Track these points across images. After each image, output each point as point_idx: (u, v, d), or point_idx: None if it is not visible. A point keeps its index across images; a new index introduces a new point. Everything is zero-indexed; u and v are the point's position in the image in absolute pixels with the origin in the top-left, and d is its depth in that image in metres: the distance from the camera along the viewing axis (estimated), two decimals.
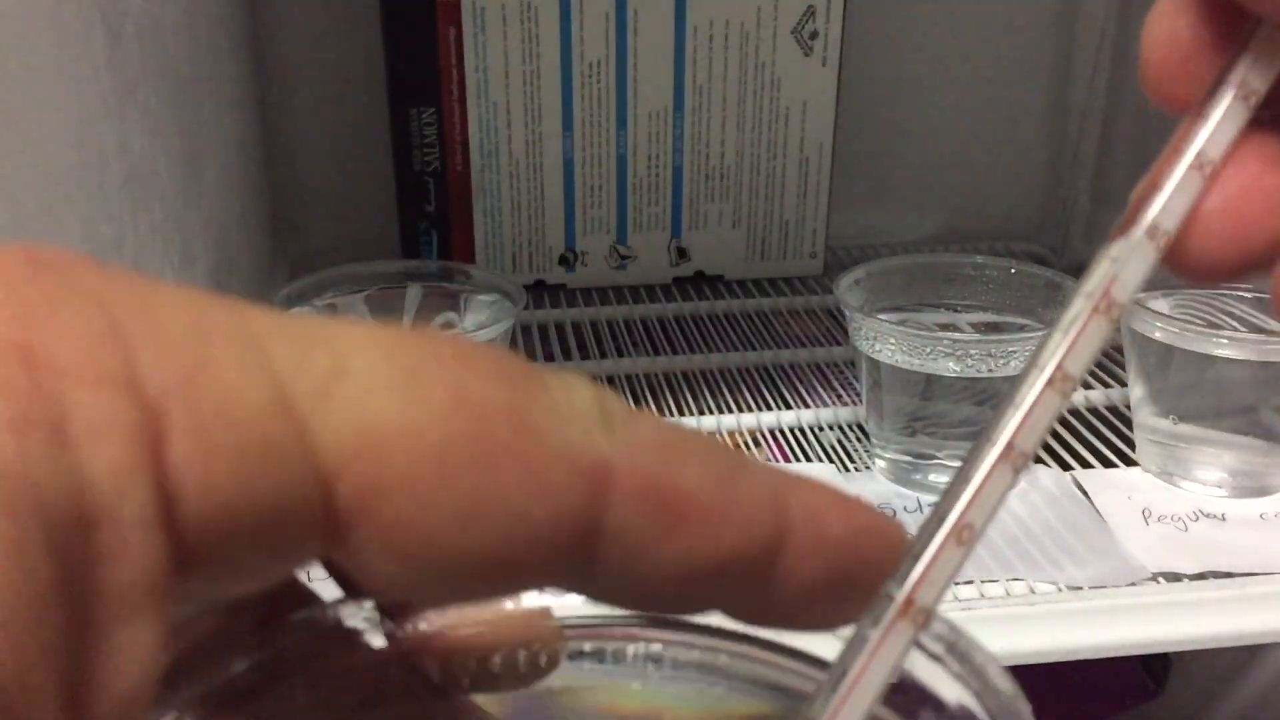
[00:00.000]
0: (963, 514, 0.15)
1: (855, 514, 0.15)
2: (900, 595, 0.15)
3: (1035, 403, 0.15)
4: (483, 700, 0.17)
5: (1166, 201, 0.16)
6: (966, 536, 0.15)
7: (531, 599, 0.17)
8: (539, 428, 0.13)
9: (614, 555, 0.13)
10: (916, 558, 0.15)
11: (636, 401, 0.56)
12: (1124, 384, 0.52)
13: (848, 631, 0.15)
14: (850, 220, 0.76)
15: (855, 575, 0.15)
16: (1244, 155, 0.17)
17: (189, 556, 0.11)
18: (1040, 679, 0.70)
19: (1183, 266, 0.17)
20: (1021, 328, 0.50)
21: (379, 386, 0.12)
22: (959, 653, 0.15)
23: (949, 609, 0.41)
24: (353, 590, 0.16)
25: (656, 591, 0.14)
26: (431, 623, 0.17)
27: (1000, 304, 0.51)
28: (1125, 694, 0.68)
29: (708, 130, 0.67)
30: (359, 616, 0.16)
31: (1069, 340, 0.16)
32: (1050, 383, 0.16)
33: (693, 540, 0.13)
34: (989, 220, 0.79)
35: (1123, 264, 0.16)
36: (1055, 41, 0.75)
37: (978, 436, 0.15)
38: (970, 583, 0.42)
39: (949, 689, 0.15)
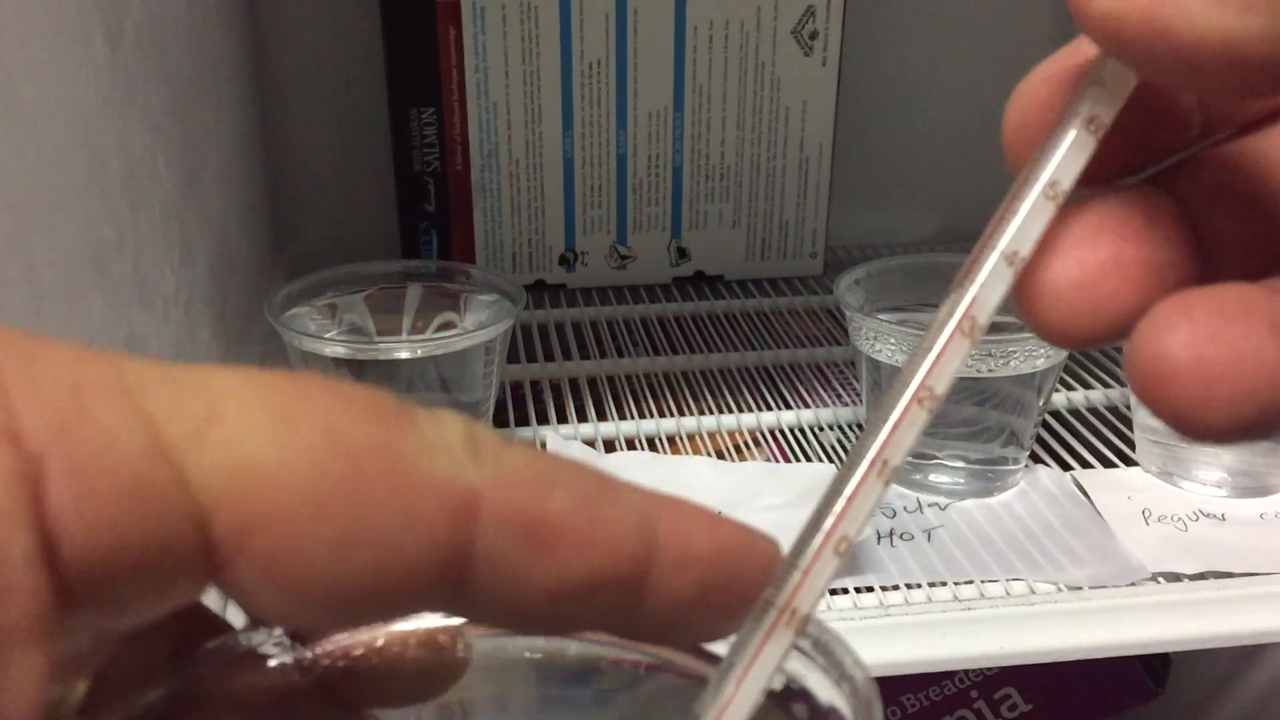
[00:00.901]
0: (836, 523, 0.16)
1: (722, 532, 0.15)
2: (779, 601, 0.16)
3: (902, 417, 0.16)
4: (392, 716, 0.18)
5: (1020, 227, 0.17)
6: (843, 548, 0.16)
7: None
8: (408, 462, 0.14)
9: (486, 580, 0.14)
10: (794, 566, 0.16)
11: (637, 401, 0.57)
12: (1124, 384, 0.52)
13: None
14: (850, 220, 0.76)
15: (726, 590, 0.15)
16: (1100, 229, 0.17)
17: (71, 592, 0.12)
18: (1041, 679, 0.70)
19: (1045, 336, 0.17)
20: (1021, 328, 0.50)
21: (251, 428, 0.13)
22: (825, 650, 0.17)
23: (949, 609, 0.41)
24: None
25: (530, 612, 0.14)
26: (340, 644, 0.17)
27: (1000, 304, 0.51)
28: (1125, 694, 0.68)
29: (708, 130, 0.67)
30: (269, 642, 0.17)
31: (933, 357, 0.17)
32: (916, 399, 0.16)
33: (561, 562, 0.14)
34: (989, 220, 0.78)
35: (983, 287, 0.17)
36: (1055, 42, 0.75)
37: (850, 453, 0.17)
38: (970, 583, 0.42)
39: (819, 685, 0.17)
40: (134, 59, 0.40)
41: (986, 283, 0.17)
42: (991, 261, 0.17)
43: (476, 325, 0.47)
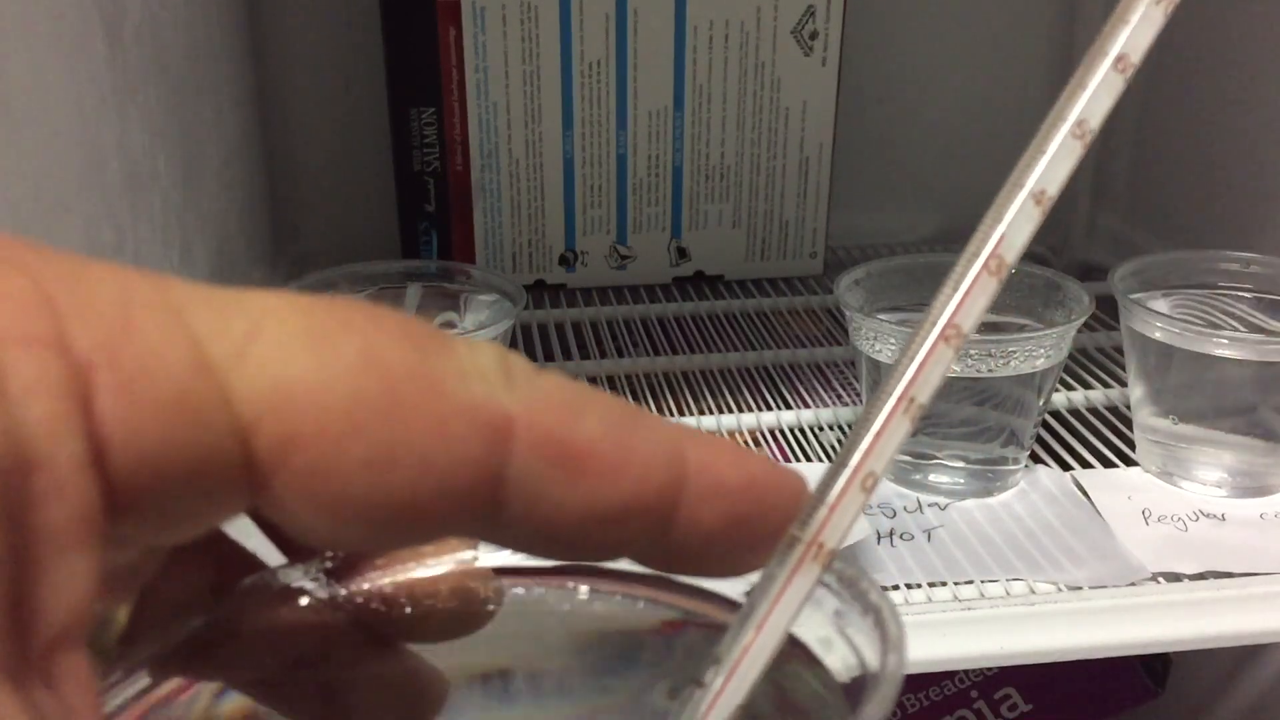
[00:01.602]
0: (863, 460, 0.16)
1: (751, 464, 0.16)
2: (806, 536, 0.16)
3: (928, 357, 0.16)
4: (425, 650, 0.19)
5: (1048, 166, 0.17)
6: (869, 483, 0.16)
7: (467, 554, 0.18)
8: (443, 384, 0.14)
9: (518, 503, 0.14)
10: (821, 502, 0.16)
11: (637, 401, 0.56)
12: (1124, 384, 0.52)
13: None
14: (850, 220, 0.76)
15: (755, 522, 0.16)
16: None
17: (119, 500, 0.12)
18: (1041, 679, 0.70)
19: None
20: (1021, 328, 0.50)
21: (292, 347, 0.13)
22: (851, 584, 0.17)
23: (949, 609, 0.41)
24: (291, 552, 0.18)
25: (562, 537, 0.15)
26: (375, 581, 0.18)
27: (1000, 304, 0.51)
28: (1125, 694, 0.68)
29: (708, 130, 0.67)
30: (306, 579, 0.18)
31: (960, 295, 0.17)
32: (943, 337, 0.16)
33: (592, 488, 0.14)
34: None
35: (1010, 225, 0.17)
36: (1055, 42, 0.75)
37: (875, 389, 0.16)
38: (970, 583, 0.42)
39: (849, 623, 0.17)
40: (134, 59, 0.40)
41: (1014, 221, 0.16)
42: (1019, 200, 0.17)
43: (476, 325, 0.47)
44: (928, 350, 0.16)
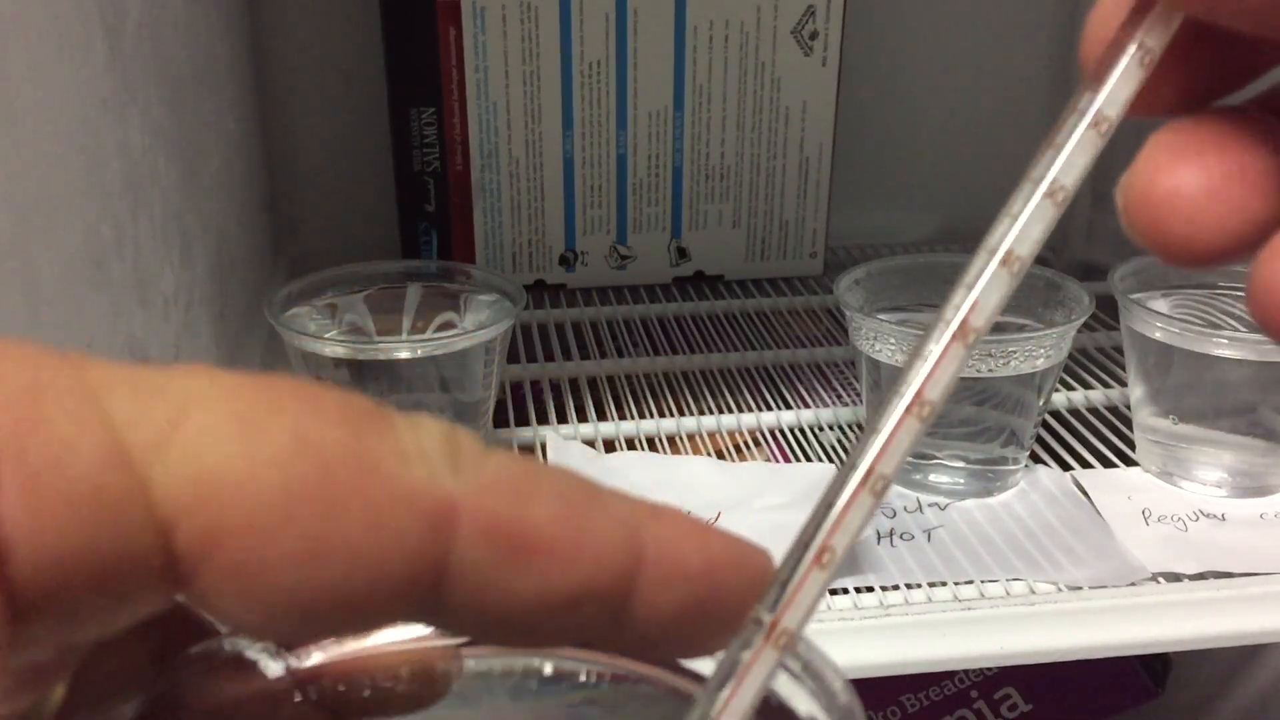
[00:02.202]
0: (826, 538, 0.15)
1: (713, 545, 0.15)
2: (768, 620, 0.15)
3: (896, 428, 0.16)
4: None
5: (1068, 158, 0.16)
6: (827, 560, 0.15)
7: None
8: (381, 469, 0.13)
9: (462, 591, 0.13)
10: (784, 584, 0.15)
11: (637, 401, 0.56)
12: (1124, 384, 0.52)
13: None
14: (850, 220, 0.76)
15: (715, 605, 0.15)
16: (1225, 137, 0.16)
17: (24, 605, 0.12)
18: (1040, 679, 0.70)
19: (1167, 252, 0.16)
20: (1021, 328, 0.50)
21: (218, 434, 0.13)
22: (811, 670, 0.16)
23: (949, 609, 0.41)
24: None
25: (510, 625, 0.14)
26: (328, 651, 0.17)
27: None
28: (1125, 694, 0.68)
29: (708, 130, 0.67)
30: (255, 648, 0.17)
31: (975, 295, 0.16)
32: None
33: (542, 575, 0.14)
34: (989, 220, 0.78)
35: (1019, 220, 0.17)
36: (1055, 42, 0.75)
37: (844, 463, 0.16)
38: (970, 583, 0.42)
39: (802, 703, 0.16)
40: (134, 59, 0.40)
41: (1031, 218, 0.16)
42: (1037, 197, 0.16)
43: (476, 325, 0.47)
44: (901, 414, 0.16)
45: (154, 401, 0.13)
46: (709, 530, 0.15)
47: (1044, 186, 0.17)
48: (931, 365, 0.16)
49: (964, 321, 0.16)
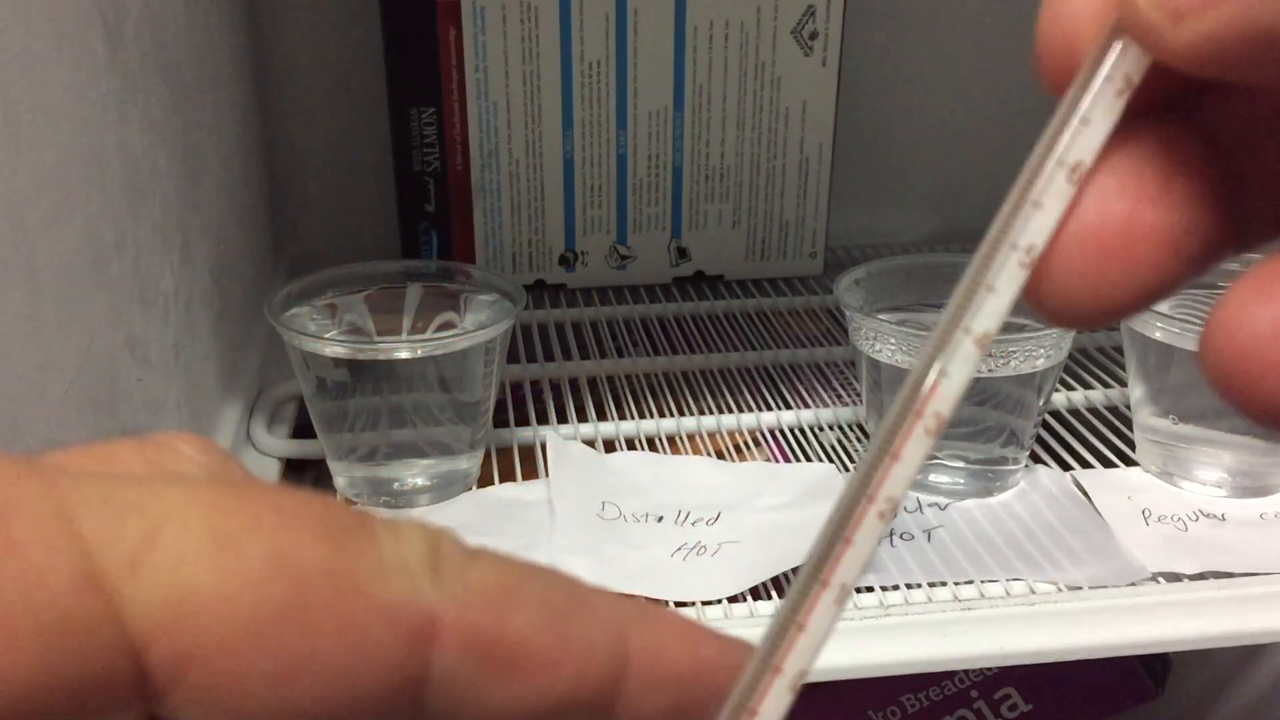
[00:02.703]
0: (782, 656, 0.15)
1: (701, 647, 0.15)
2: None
3: (863, 533, 0.15)
4: None
5: (1032, 224, 0.15)
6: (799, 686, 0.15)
7: None
8: (360, 584, 0.13)
9: (442, 704, 0.13)
10: (742, 709, 0.15)
11: (637, 401, 0.56)
12: (1124, 384, 0.52)
13: None
14: (850, 220, 0.76)
15: (701, 708, 0.15)
16: (1107, 191, 0.15)
17: None
18: (1041, 679, 0.70)
19: (1043, 310, 0.15)
20: (1021, 328, 0.50)
21: (193, 553, 0.12)
22: None
23: (949, 609, 0.41)
24: None
25: None
26: None
27: None
28: (1125, 694, 0.68)
29: (708, 130, 0.67)
30: None
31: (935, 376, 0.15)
32: (870, 502, 0.15)
33: (524, 686, 0.14)
34: (989, 220, 0.78)
35: (988, 295, 0.15)
36: None
37: (801, 572, 0.15)
38: (970, 583, 0.42)
39: None
40: (134, 59, 0.40)
41: (1005, 281, 0.15)
42: (1048, 170, 0.15)
43: (476, 325, 0.47)
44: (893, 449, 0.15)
45: (128, 518, 0.12)
46: (698, 631, 0.15)
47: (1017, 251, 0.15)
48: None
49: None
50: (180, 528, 0.12)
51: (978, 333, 0.15)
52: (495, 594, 0.14)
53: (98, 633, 0.12)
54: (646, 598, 0.42)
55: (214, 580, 0.12)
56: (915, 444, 0.15)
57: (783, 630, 0.15)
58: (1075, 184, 0.15)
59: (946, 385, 0.15)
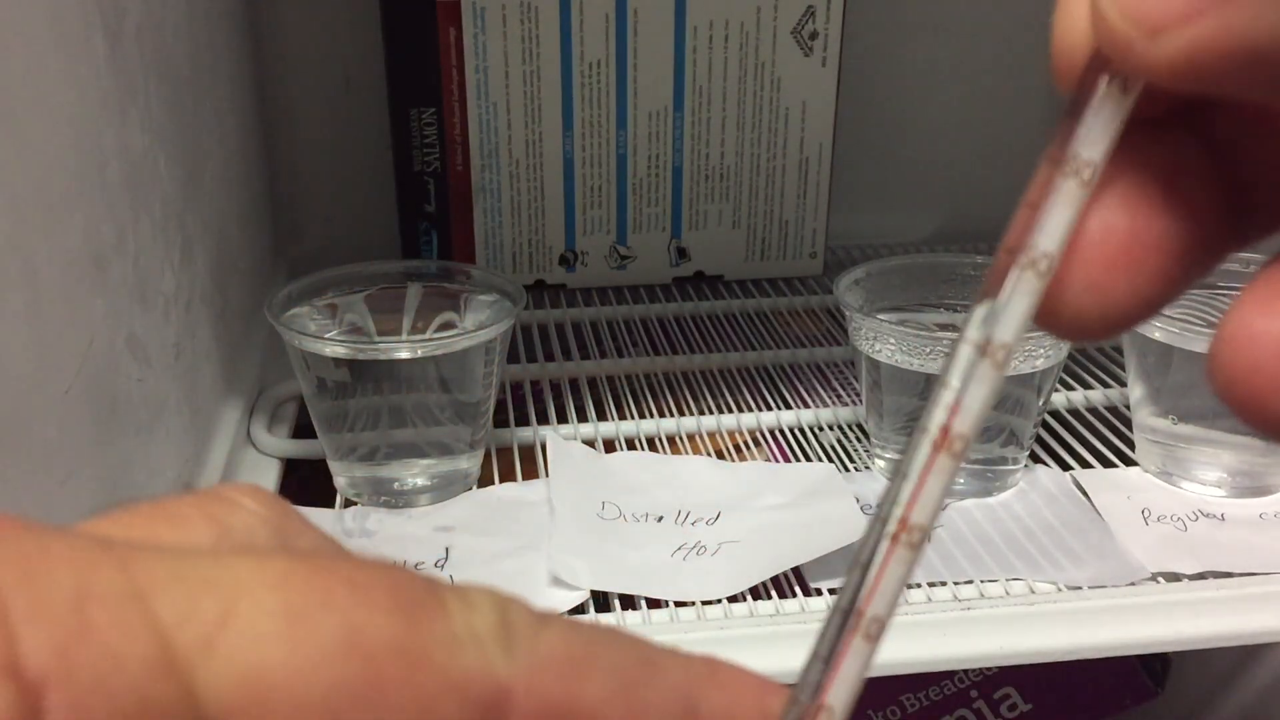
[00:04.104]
0: (822, 691, 0.15)
1: (770, 704, 0.15)
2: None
3: (885, 563, 0.15)
4: None
5: (1049, 222, 0.15)
6: (874, 631, 0.15)
7: None
8: (431, 658, 0.13)
9: None
10: (823, 658, 0.15)
11: (637, 401, 0.56)
12: (1124, 384, 0.52)
13: None
14: (850, 220, 0.76)
15: None
16: (1112, 202, 0.15)
17: None
18: (1041, 679, 0.70)
19: (1051, 325, 0.15)
20: None
21: (265, 632, 0.12)
22: None
23: (949, 609, 0.41)
24: None
25: None
26: None
27: None
28: (1125, 694, 0.68)
29: (708, 130, 0.67)
30: None
31: (953, 396, 0.15)
32: (894, 539, 0.15)
33: None
34: (989, 220, 0.78)
35: (1004, 307, 0.15)
36: None
37: (834, 605, 0.15)
38: (970, 583, 0.42)
39: None
40: (134, 59, 0.40)
41: (1014, 299, 0.15)
42: (1067, 184, 0.15)
43: (476, 325, 0.47)
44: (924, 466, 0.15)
45: (201, 597, 0.12)
46: (765, 687, 0.15)
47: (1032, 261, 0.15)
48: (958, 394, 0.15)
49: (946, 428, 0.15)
50: (253, 605, 0.12)
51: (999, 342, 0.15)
52: (566, 663, 0.14)
53: (174, 715, 0.12)
54: (664, 596, 0.42)
55: (287, 659, 0.12)
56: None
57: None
58: (1087, 189, 0.15)
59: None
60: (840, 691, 0.15)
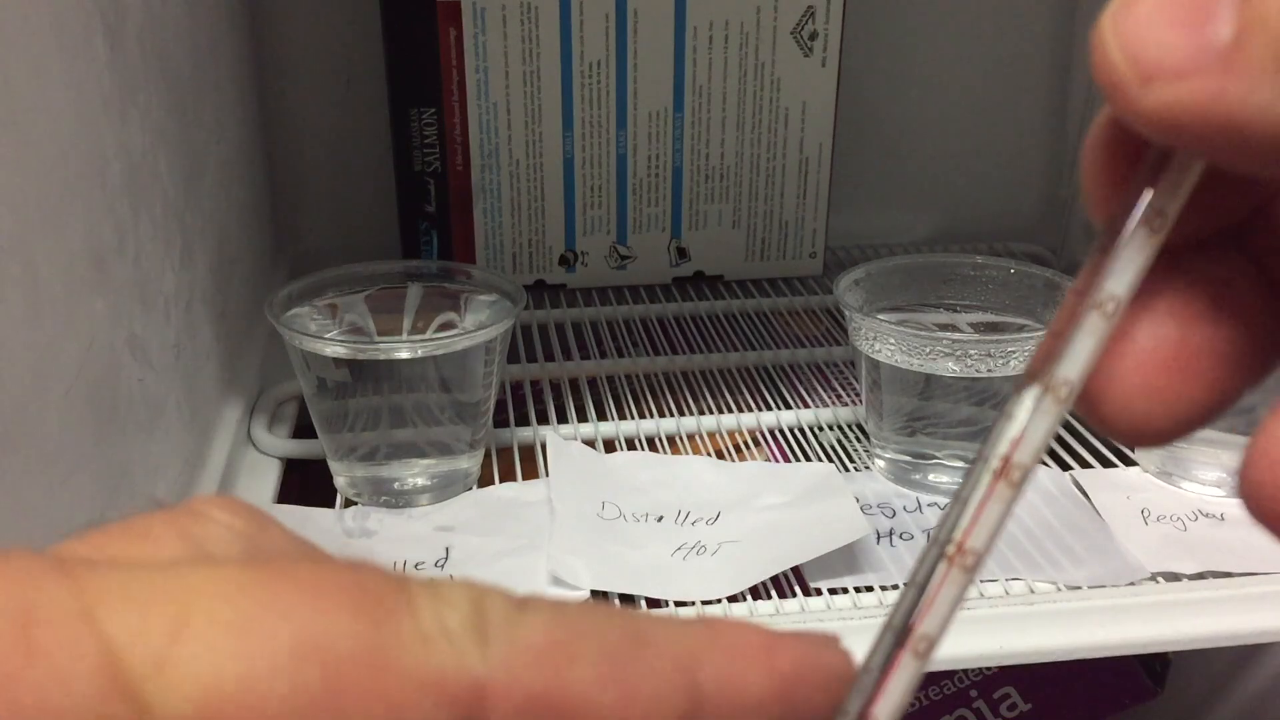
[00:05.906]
0: (919, 617, 0.15)
1: (780, 658, 0.14)
2: (855, 711, 0.15)
3: (941, 583, 0.16)
4: None
5: (1072, 351, 0.15)
6: (923, 648, 0.15)
7: None
8: (398, 659, 0.12)
9: None
10: (867, 673, 0.15)
11: (637, 401, 0.56)
12: None
13: None
14: (850, 220, 0.76)
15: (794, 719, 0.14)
16: (1158, 315, 0.15)
17: None
18: (1040, 679, 0.70)
19: (1109, 431, 0.16)
20: (1021, 328, 0.50)
21: (218, 643, 0.12)
22: None
23: None
24: None
25: None
26: None
27: (999, 304, 0.51)
28: (1125, 694, 0.68)
29: (708, 130, 0.67)
30: None
31: (971, 511, 0.16)
32: (949, 559, 0.16)
33: None
34: (988, 220, 0.79)
35: (1028, 423, 0.16)
36: (1055, 42, 0.75)
37: (884, 623, 0.16)
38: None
39: None
40: (134, 59, 0.40)
41: (1035, 420, 0.16)
42: (1136, 230, 0.15)
43: (476, 325, 0.47)
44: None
45: (153, 612, 0.12)
46: (774, 643, 0.14)
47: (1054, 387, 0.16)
48: (975, 512, 0.16)
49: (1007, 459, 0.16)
50: (205, 617, 0.12)
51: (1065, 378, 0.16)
52: (548, 649, 0.13)
53: None
54: (675, 601, 0.42)
55: (241, 670, 0.12)
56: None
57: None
58: (1110, 319, 0.15)
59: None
60: (887, 705, 0.15)
